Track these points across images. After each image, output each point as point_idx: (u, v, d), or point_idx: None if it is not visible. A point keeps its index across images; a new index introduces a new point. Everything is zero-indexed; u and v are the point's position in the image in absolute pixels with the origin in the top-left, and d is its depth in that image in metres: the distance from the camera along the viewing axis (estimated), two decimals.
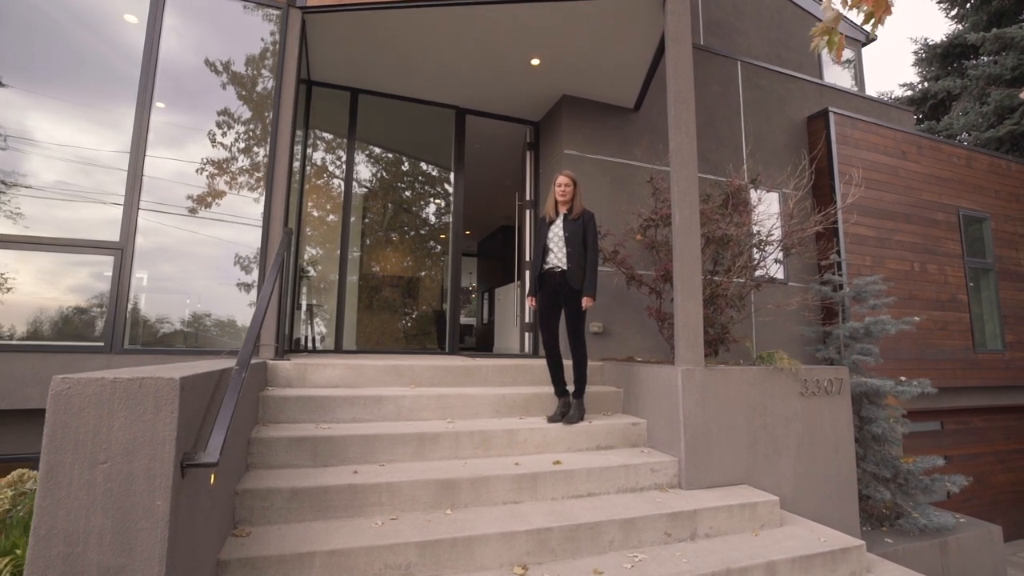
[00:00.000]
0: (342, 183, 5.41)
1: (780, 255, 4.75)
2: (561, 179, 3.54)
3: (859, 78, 9.46)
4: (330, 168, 5.47)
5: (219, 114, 3.80)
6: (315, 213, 5.39)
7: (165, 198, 3.58)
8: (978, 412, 7.54)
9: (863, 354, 5.17)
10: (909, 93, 14.65)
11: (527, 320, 5.69)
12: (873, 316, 5.29)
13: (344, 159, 5.43)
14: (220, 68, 3.84)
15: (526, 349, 5.71)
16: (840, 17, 1.75)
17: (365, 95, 5.46)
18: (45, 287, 3.27)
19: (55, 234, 3.30)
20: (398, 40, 4.55)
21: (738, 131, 6.37)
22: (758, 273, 4.61)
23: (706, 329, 3.99)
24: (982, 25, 13.11)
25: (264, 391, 3.06)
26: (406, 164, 6.03)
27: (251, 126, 3.87)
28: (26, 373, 3.07)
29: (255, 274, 3.73)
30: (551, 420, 3.35)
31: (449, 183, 5.89)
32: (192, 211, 3.64)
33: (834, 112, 6.65)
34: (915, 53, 14.67)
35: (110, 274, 3.35)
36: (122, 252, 3.36)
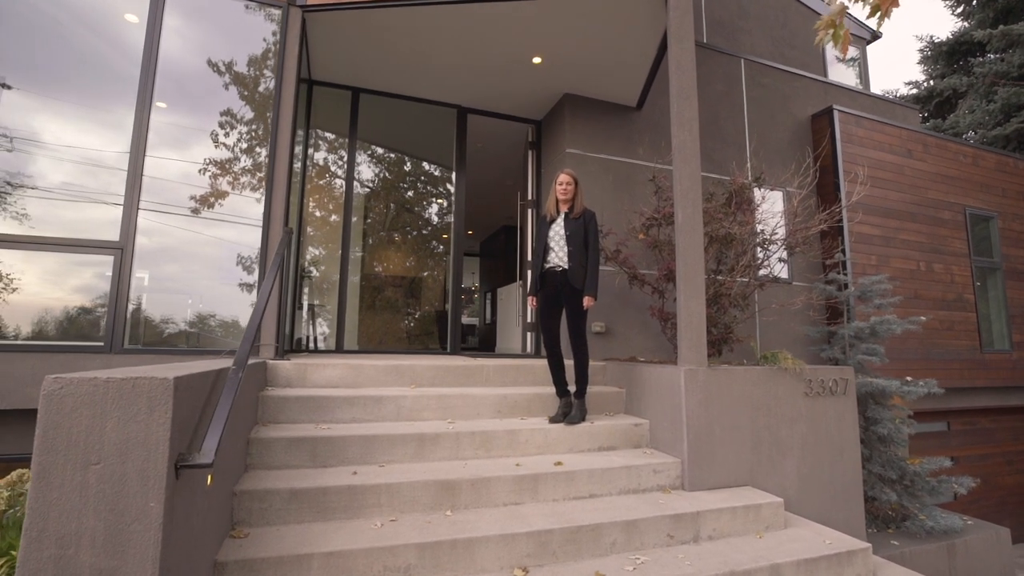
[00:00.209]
0: (344, 183, 5.39)
1: (784, 254, 4.70)
2: (562, 177, 3.51)
3: (864, 76, 9.39)
4: (331, 168, 5.46)
5: (222, 114, 3.79)
6: (317, 213, 5.38)
7: (168, 198, 3.57)
8: (985, 413, 7.47)
9: (868, 354, 5.12)
10: (914, 91, 14.55)
11: (529, 320, 5.67)
12: (878, 316, 5.23)
13: (345, 159, 5.42)
14: (223, 68, 3.83)
15: (528, 349, 5.68)
16: (845, 9, 1.72)
17: (366, 94, 5.44)
18: (48, 287, 3.27)
19: (58, 234, 3.29)
20: (399, 38, 4.54)
21: (741, 129, 6.32)
22: (762, 272, 4.57)
23: (709, 329, 3.95)
24: (989, 22, 12.99)
25: (264, 391, 3.04)
26: (408, 164, 6.02)
27: (253, 126, 3.86)
28: (26, 373, 3.07)
29: (257, 274, 3.72)
30: (553, 421, 3.33)
31: (451, 183, 5.87)
32: (195, 211, 3.63)
33: (838, 110, 6.60)
34: (920, 51, 14.56)
35: (110, 274, 3.35)
36: (122, 252, 3.35)
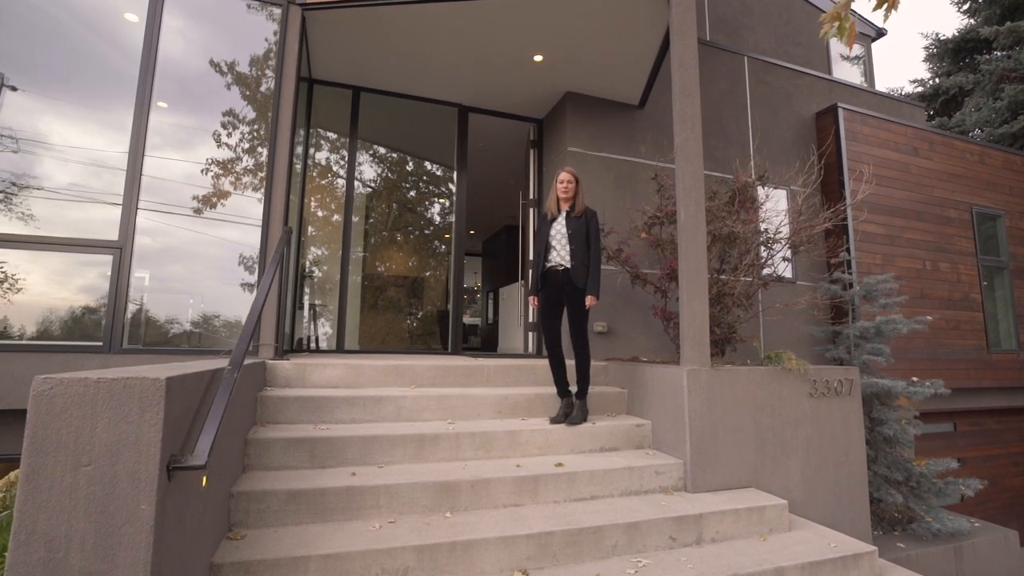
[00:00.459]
0: (344, 182, 5.38)
1: (788, 253, 4.66)
2: (563, 176, 3.48)
3: (868, 74, 9.31)
4: (333, 168, 5.45)
5: (224, 115, 3.78)
6: (319, 213, 5.36)
7: (171, 199, 3.57)
8: (992, 413, 7.38)
9: (874, 354, 5.06)
10: (920, 89, 14.42)
11: (531, 320, 5.64)
12: (884, 315, 5.18)
13: (346, 158, 5.40)
14: (225, 69, 3.83)
15: (530, 349, 5.65)
16: (851, 0, 1.68)
17: (367, 93, 5.43)
18: (54, 287, 3.27)
19: (62, 234, 3.29)
20: (399, 37, 4.52)
21: (745, 128, 6.27)
22: (765, 271, 4.52)
23: (712, 329, 3.91)
24: (995, 19, 12.87)
25: (262, 391, 3.03)
26: (411, 164, 6.00)
27: (255, 126, 3.85)
28: (25, 373, 3.06)
29: (257, 274, 3.70)
30: (554, 421, 3.30)
31: (452, 182, 5.85)
32: (198, 212, 3.63)
33: (843, 108, 6.54)
34: (926, 49, 14.45)
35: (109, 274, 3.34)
36: (121, 251, 3.34)
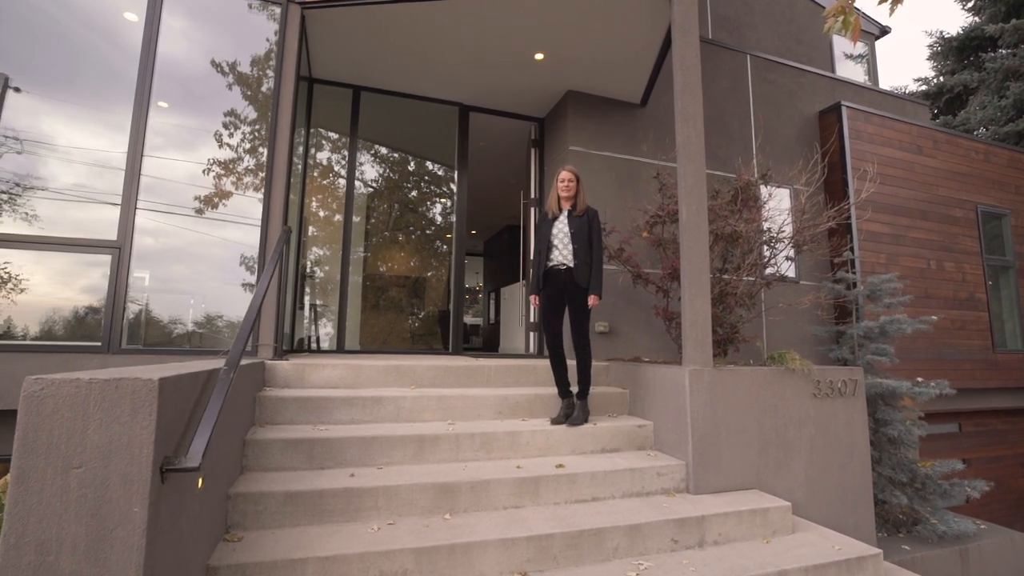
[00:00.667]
0: (345, 182, 5.36)
1: (791, 252, 4.62)
2: (564, 174, 3.46)
3: (872, 72, 9.25)
4: (333, 167, 5.43)
5: (225, 115, 3.77)
6: (320, 213, 5.35)
7: (173, 199, 3.56)
8: (998, 414, 7.32)
9: (878, 354, 5.02)
10: (924, 88, 14.33)
11: (532, 320, 5.61)
12: (888, 315, 5.13)
13: (347, 158, 5.39)
14: (226, 69, 3.82)
15: (531, 349, 5.63)
16: None
17: (367, 92, 5.41)
18: (57, 287, 3.26)
19: (64, 234, 3.28)
20: (399, 36, 4.50)
21: (747, 126, 6.23)
22: (768, 271, 4.49)
23: (715, 328, 3.88)
24: (1000, 16, 12.77)
25: (261, 392, 3.01)
26: (412, 164, 5.98)
27: (257, 127, 3.84)
28: (24, 373, 3.03)
29: (257, 274, 3.69)
30: (554, 422, 3.27)
31: (453, 182, 5.82)
32: (200, 212, 3.62)
33: (847, 106, 6.49)
34: (930, 47, 14.34)
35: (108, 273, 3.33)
36: (119, 251, 3.33)
